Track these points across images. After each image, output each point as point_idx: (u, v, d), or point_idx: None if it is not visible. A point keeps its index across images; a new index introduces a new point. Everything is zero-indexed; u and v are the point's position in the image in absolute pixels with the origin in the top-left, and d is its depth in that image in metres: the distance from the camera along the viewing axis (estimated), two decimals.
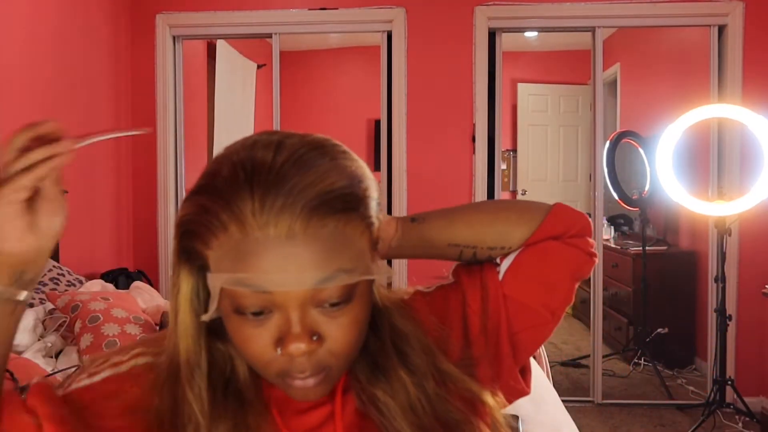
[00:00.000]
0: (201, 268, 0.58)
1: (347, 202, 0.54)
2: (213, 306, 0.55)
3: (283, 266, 0.51)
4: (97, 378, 0.62)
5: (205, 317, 0.56)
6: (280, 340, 0.54)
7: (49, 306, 2.19)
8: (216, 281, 0.53)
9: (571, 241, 0.71)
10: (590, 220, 0.74)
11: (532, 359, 0.75)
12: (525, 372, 0.73)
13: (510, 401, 0.69)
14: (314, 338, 0.54)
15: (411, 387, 0.61)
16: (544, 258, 0.70)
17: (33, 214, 0.55)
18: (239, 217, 0.51)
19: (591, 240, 0.73)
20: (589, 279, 3.51)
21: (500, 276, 0.70)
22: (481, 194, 3.32)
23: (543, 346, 2.29)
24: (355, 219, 0.54)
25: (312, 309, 0.54)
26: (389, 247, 0.68)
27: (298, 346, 0.53)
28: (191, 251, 0.56)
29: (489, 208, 0.74)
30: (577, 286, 0.72)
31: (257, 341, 0.54)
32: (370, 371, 0.62)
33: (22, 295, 0.56)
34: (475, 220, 0.71)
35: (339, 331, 0.55)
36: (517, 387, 0.70)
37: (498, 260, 0.72)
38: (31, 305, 2.18)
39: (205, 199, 0.54)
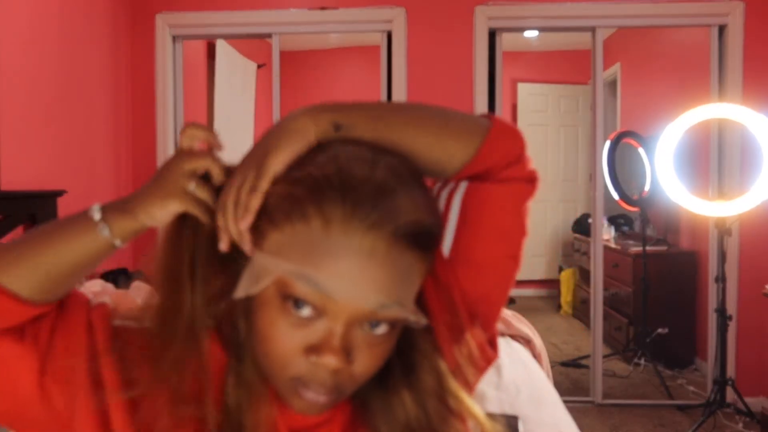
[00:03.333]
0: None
1: (428, 242, 0.55)
2: (257, 287, 0.53)
3: (355, 279, 0.51)
4: (139, 324, 0.62)
5: (238, 293, 0.54)
6: (315, 348, 0.53)
7: None
8: (276, 267, 0.52)
9: (508, 174, 0.63)
10: (522, 134, 0.65)
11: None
12: (492, 339, 0.69)
13: (482, 370, 0.66)
14: (348, 358, 0.53)
15: (411, 405, 0.60)
16: (485, 209, 0.64)
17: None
18: (326, 214, 0.51)
19: (527, 159, 0.64)
20: (589, 279, 3.51)
21: (448, 246, 0.65)
22: None
23: (543, 346, 2.29)
24: (427, 260, 0.55)
25: (356, 329, 0.53)
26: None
27: (332, 360, 0.52)
28: (255, 228, 0.55)
29: (426, 125, 0.61)
30: (527, 213, 0.66)
31: (289, 340, 0.53)
32: (369, 382, 0.60)
33: (118, 245, 0.59)
34: (408, 140, 0.60)
35: (369, 359, 0.55)
36: (483, 357, 0.66)
37: None
38: None
39: (294, 188, 0.53)
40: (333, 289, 0.51)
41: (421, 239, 0.53)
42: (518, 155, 0.63)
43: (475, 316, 0.65)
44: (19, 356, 0.57)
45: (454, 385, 0.61)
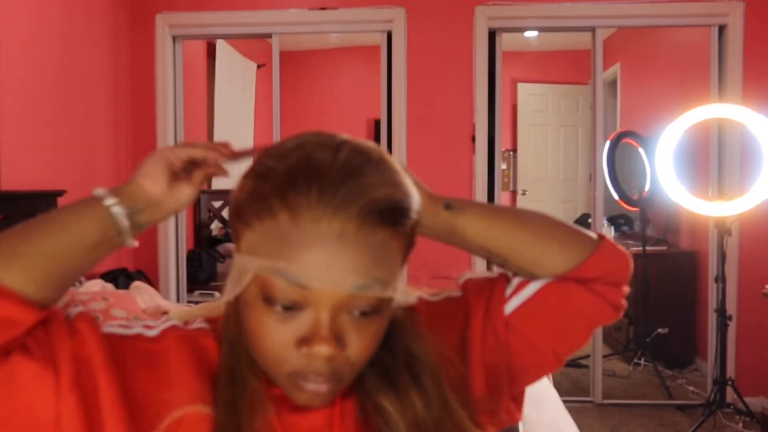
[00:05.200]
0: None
1: (399, 217, 0.53)
2: (238, 287, 0.54)
3: (328, 264, 0.50)
4: (129, 332, 0.60)
5: (224, 297, 0.55)
6: (305, 340, 0.53)
7: None
8: (251, 264, 0.52)
9: (601, 290, 0.65)
10: (632, 262, 0.67)
11: None
12: (516, 398, 0.71)
13: (498, 429, 0.68)
14: (339, 344, 0.53)
15: (420, 406, 0.60)
16: (565, 305, 0.65)
17: (173, 179, 0.63)
18: (292, 206, 0.51)
19: (626, 288, 0.67)
20: None
21: (512, 308, 0.66)
22: (481, 194, 3.31)
23: None
24: (400, 235, 0.54)
25: (342, 314, 0.53)
26: None
27: (323, 348, 0.52)
28: (233, 230, 0.57)
29: (533, 227, 0.67)
30: (593, 332, 0.68)
31: (279, 336, 0.53)
32: (378, 381, 0.60)
33: (124, 223, 0.59)
34: (514, 235, 0.66)
35: (361, 342, 0.54)
36: (508, 415, 0.68)
37: (513, 284, 0.68)
38: None
39: (258, 184, 0.54)
40: (308, 278, 0.51)
41: (392, 215, 0.53)
42: (620, 281, 0.66)
43: (512, 379, 0.67)
44: (38, 375, 0.51)
45: (452, 399, 0.61)
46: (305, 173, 0.52)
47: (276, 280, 0.51)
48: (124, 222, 0.59)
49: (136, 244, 0.61)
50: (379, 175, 0.53)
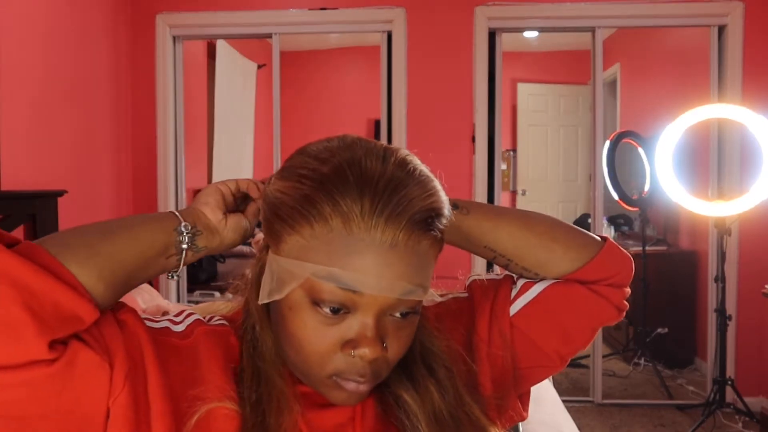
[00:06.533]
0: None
1: (440, 225, 0.56)
2: (284, 290, 0.55)
3: (381, 271, 0.52)
4: (158, 325, 0.61)
5: (264, 299, 0.56)
6: (351, 342, 0.55)
7: None
8: (302, 270, 0.54)
9: (604, 291, 0.67)
10: (633, 264, 0.70)
11: None
12: (522, 397, 0.72)
13: (506, 427, 0.69)
14: (383, 346, 0.55)
15: (437, 398, 0.62)
16: (568, 306, 0.67)
17: (228, 211, 0.67)
18: (346, 214, 0.52)
19: (627, 290, 0.69)
20: None
21: (516, 308, 0.68)
22: (481, 194, 3.31)
23: None
24: (439, 242, 0.58)
25: (385, 317, 0.55)
26: None
27: (367, 351, 0.54)
28: (272, 232, 0.58)
29: (538, 228, 0.69)
30: (597, 333, 0.70)
31: (324, 338, 0.55)
32: (396, 374, 0.62)
33: (186, 242, 0.61)
34: (519, 236, 0.68)
35: (398, 342, 0.57)
36: (515, 412, 0.70)
37: (518, 286, 0.70)
38: None
39: (306, 187, 0.54)
40: (361, 284, 0.52)
41: (433, 223, 0.55)
42: (622, 283, 0.68)
43: (517, 379, 0.69)
44: (97, 365, 0.51)
45: (464, 392, 0.63)
46: (356, 181, 0.53)
47: (326, 285, 0.53)
48: (186, 241, 0.61)
49: (177, 276, 0.63)
50: (422, 186, 0.55)
